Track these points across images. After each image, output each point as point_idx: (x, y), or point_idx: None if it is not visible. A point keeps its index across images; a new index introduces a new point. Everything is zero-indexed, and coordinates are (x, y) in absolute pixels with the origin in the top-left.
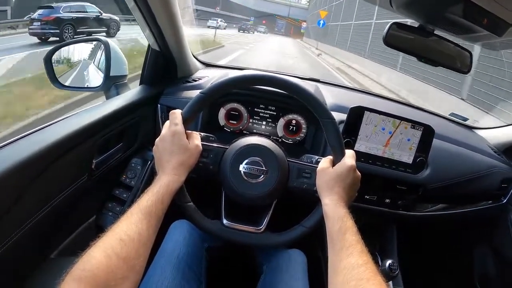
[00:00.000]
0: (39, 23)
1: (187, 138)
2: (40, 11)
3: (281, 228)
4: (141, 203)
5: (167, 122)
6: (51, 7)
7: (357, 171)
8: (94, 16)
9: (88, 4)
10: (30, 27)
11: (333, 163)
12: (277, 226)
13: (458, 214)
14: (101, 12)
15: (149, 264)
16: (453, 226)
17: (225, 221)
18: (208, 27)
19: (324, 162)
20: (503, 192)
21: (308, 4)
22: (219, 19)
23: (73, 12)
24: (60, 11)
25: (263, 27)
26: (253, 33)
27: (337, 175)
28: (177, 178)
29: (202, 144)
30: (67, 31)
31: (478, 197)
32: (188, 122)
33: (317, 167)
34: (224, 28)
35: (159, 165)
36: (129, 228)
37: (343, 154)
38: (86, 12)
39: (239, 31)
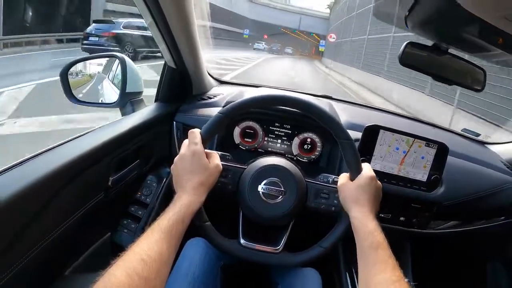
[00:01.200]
0: (97, 39)
1: (206, 157)
2: (97, 26)
3: (298, 248)
4: (161, 222)
5: (186, 141)
6: (111, 22)
7: (378, 180)
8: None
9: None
10: (85, 42)
11: (351, 179)
12: (295, 245)
13: (472, 231)
14: None
15: None
16: (466, 242)
17: (242, 241)
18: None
19: (343, 178)
20: None
21: (329, 13)
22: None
23: (134, 29)
24: (121, 27)
25: (261, 43)
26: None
27: (359, 186)
28: (197, 198)
29: (221, 164)
30: (127, 49)
31: (492, 213)
32: (207, 142)
33: (334, 187)
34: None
35: (179, 184)
36: (150, 248)
37: (359, 171)
38: (146, 30)
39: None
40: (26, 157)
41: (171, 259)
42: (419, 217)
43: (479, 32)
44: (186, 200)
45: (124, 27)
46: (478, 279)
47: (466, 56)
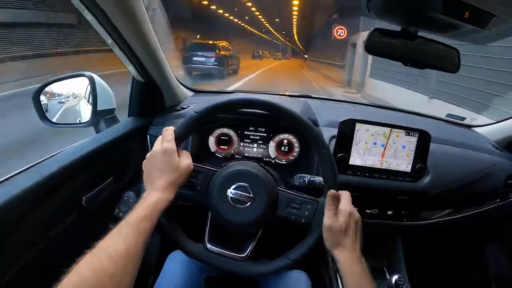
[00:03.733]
0: (203, 58)
1: (178, 156)
2: (202, 46)
3: (265, 257)
4: (129, 219)
5: (159, 138)
6: (215, 45)
7: (355, 212)
8: (233, 53)
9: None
10: (194, 63)
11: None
12: (262, 254)
13: (466, 217)
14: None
15: None
16: (462, 230)
17: (208, 245)
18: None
19: (327, 218)
20: (510, 188)
21: None
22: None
23: (225, 50)
24: (221, 49)
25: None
26: None
27: (340, 228)
28: (166, 196)
29: (193, 164)
30: (226, 66)
31: (485, 197)
32: (181, 140)
33: (307, 198)
34: None
35: (148, 181)
36: (117, 244)
37: (336, 186)
38: (229, 50)
39: None
40: None
41: (140, 257)
42: (408, 209)
43: (443, 8)
44: (154, 197)
45: (223, 49)
46: (479, 266)
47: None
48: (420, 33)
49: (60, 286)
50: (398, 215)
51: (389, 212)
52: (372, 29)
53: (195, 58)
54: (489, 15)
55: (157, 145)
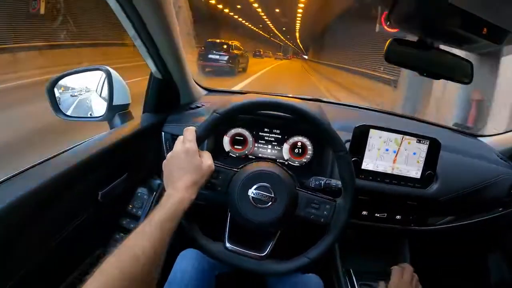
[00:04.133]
0: (218, 56)
1: (199, 156)
2: (216, 44)
3: (284, 256)
4: (153, 219)
5: (180, 138)
6: (228, 44)
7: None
8: (243, 52)
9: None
10: (209, 61)
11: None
12: (281, 253)
13: (471, 224)
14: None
15: None
16: (466, 236)
17: (227, 244)
18: None
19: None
20: None
21: None
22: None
23: (237, 49)
24: (234, 48)
25: None
26: None
27: None
28: (188, 196)
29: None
30: (237, 64)
31: (489, 205)
32: (201, 141)
33: (326, 198)
34: None
35: (170, 181)
36: (143, 243)
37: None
38: (240, 49)
39: None
40: (10, 174)
41: (162, 257)
42: (416, 214)
43: (462, 24)
44: (177, 198)
45: (234, 48)
46: (480, 273)
47: (453, 50)
48: (435, 45)
49: (85, 286)
50: (406, 220)
51: (398, 217)
52: (390, 39)
53: (210, 56)
54: (506, 32)
55: (179, 145)
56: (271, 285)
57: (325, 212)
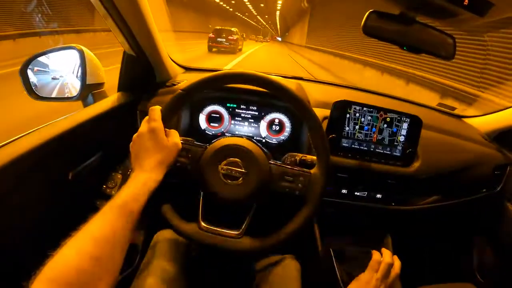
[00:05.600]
0: (223, 40)
1: (166, 135)
2: (222, 31)
3: (261, 234)
4: (115, 201)
5: (146, 118)
6: (231, 30)
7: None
8: (240, 36)
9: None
10: (217, 43)
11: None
12: (257, 231)
13: (453, 205)
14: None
15: (133, 275)
16: (449, 218)
17: (202, 224)
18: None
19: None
20: (497, 179)
21: None
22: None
23: (236, 34)
24: (235, 33)
25: None
26: None
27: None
28: (154, 176)
29: (181, 143)
30: (237, 46)
31: (472, 186)
32: (167, 120)
33: (299, 170)
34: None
35: (136, 162)
36: (103, 227)
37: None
38: (239, 34)
39: None
40: None
41: (127, 239)
42: (397, 193)
43: None
44: (142, 178)
45: (234, 35)
46: (463, 255)
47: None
48: (418, 19)
49: (45, 269)
50: (387, 199)
51: (378, 196)
52: (369, 11)
53: (218, 39)
54: (488, 4)
55: (144, 125)
56: (247, 267)
57: (299, 185)
